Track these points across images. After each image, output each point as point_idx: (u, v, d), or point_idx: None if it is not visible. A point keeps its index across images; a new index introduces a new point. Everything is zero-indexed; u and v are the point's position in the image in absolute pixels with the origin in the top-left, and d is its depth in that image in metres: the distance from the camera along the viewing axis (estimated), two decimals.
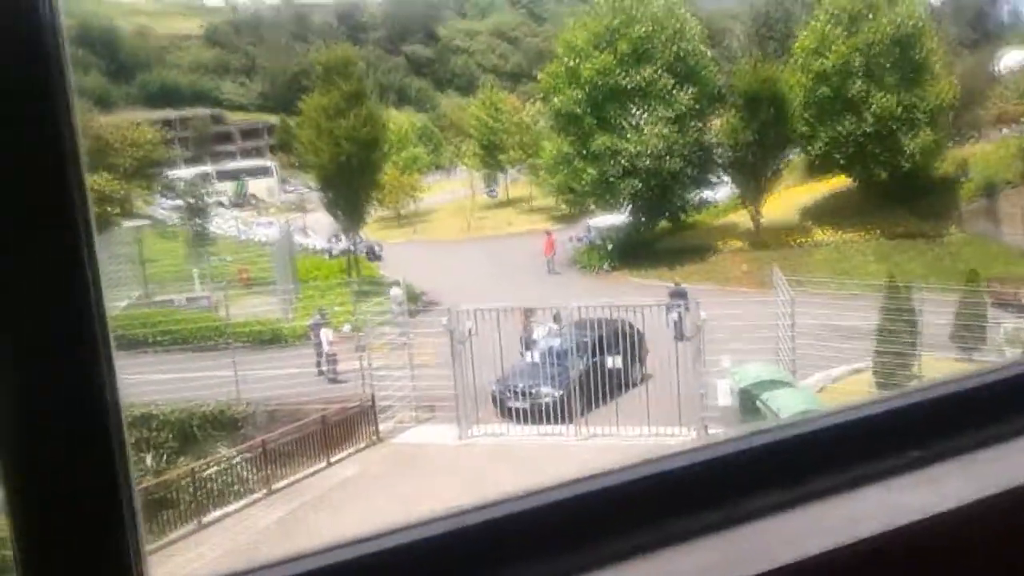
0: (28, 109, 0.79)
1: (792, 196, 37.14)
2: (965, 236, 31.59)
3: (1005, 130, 35.50)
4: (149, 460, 15.91)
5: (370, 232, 40.86)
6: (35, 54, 0.79)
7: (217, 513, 14.96)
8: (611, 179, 34.56)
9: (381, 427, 18.12)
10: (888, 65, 32.92)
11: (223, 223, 41.69)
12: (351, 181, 30.41)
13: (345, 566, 1.07)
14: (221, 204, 46.34)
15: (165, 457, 16.51)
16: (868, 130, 33.02)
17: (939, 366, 17.65)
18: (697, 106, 34.81)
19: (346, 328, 21.87)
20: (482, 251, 39.31)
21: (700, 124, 35.11)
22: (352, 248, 34.44)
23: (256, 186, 55.51)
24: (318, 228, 42.46)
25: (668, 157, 33.73)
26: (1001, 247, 30.28)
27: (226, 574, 1.09)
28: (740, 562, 1.12)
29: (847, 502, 1.22)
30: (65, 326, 0.83)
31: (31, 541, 0.85)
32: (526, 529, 1.20)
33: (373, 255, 38.99)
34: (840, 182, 36.46)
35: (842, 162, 34.46)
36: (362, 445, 17.57)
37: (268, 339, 23.62)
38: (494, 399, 18.31)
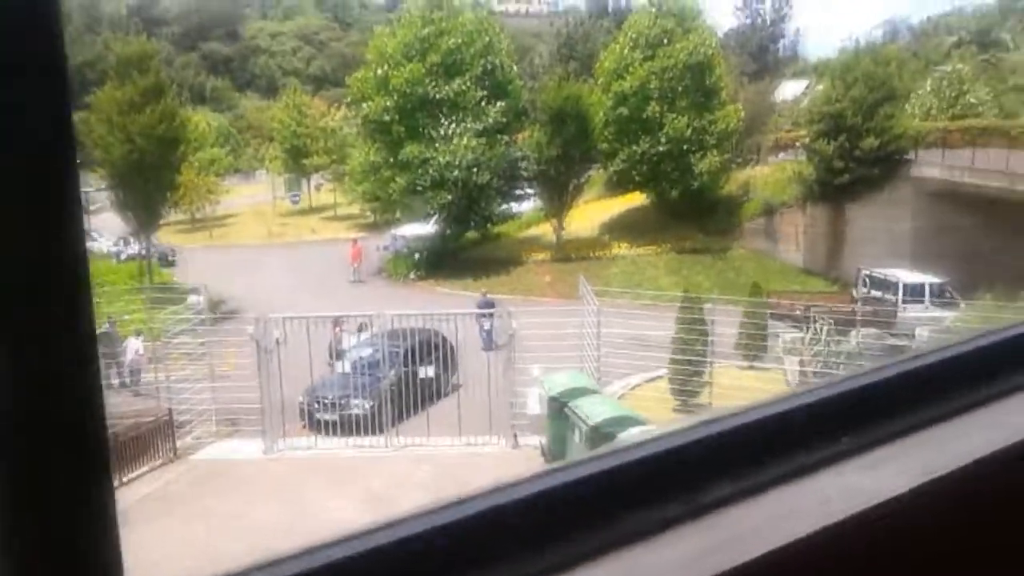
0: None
1: (592, 210, 38.67)
2: (747, 252, 34.05)
3: (782, 155, 38.61)
4: None
5: (164, 236, 38.71)
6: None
7: None
8: (419, 189, 34.59)
9: (179, 443, 17.11)
10: (681, 89, 35.01)
11: None
12: (145, 181, 28.62)
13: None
14: None
15: None
16: (662, 150, 34.91)
17: (727, 373, 18.90)
18: (505, 120, 35.55)
19: (139, 338, 20.53)
20: (285, 258, 38.22)
21: (507, 138, 35.86)
22: (145, 252, 32.46)
23: None
24: (104, 230, 39.72)
25: (476, 169, 34.20)
26: (779, 263, 32.90)
27: None
28: (712, 553, 1.12)
29: (803, 489, 1.24)
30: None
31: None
32: (486, 532, 1.14)
33: (167, 260, 36.97)
34: (636, 198, 38.32)
35: (638, 179, 36.22)
36: (158, 462, 16.52)
37: None
38: (302, 411, 17.76)
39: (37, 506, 0.77)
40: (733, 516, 1.18)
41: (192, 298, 20.84)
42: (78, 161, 0.76)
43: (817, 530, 1.15)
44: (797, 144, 35.56)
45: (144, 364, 19.88)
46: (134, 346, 20.35)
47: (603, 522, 1.17)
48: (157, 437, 16.93)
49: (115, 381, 20.32)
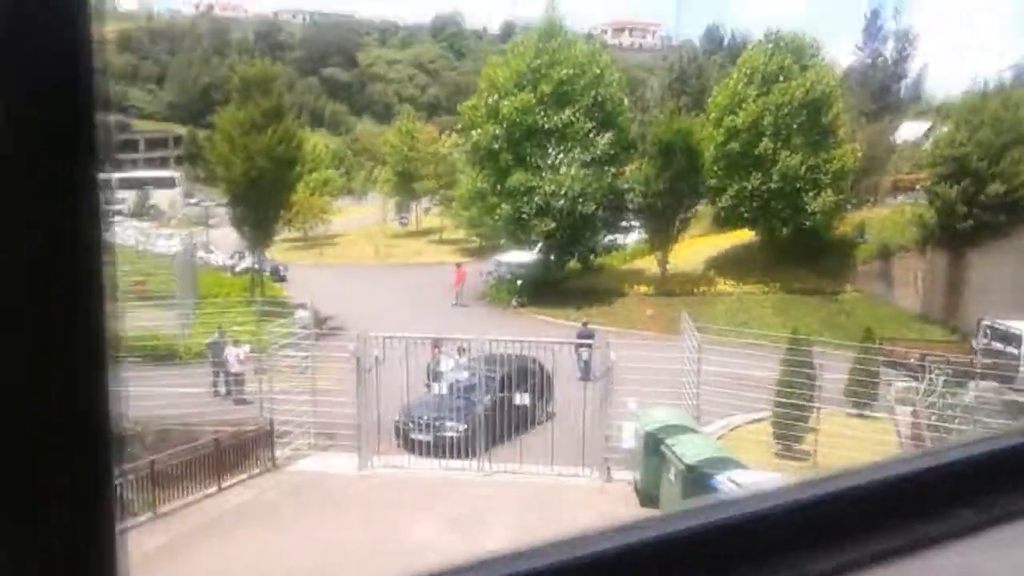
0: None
1: (698, 246, 38.07)
2: (860, 295, 32.86)
3: (900, 197, 37.22)
4: None
5: (276, 253, 39.99)
6: None
7: None
8: (524, 217, 34.74)
9: (278, 453, 17.48)
10: (796, 126, 34.24)
11: (121, 232, 40.14)
12: (262, 198, 29.66)
13: None
14: (120, 213, 44.73)
15: None
16: (773, 187, 34.15)
17: (834, 419, 18.16)
18: (613, 151, 35.42)
19: (246, 348, 21.15)
20: (391, 279, 38.89)
21: (615, 169, 35.71)
22: (257, 267, 33.56)
23: (159, 197, 53.85)
24: (220, 244, 41.31)
25: (582, 199, 34.15)
26: (893, 308, 31.59)
27: None
28: None
29: (916, 567, 1.09)
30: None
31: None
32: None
33: (278, 276, 38.13)
34: (744, 235, 37.56)
35: (747, 216, 35.51)
36: (257, 471, 16.89)
37: (162, 355, 22.64)
38: (397, 430, 17.92)
39: (36, 507, 0.72)
40: None
41: (299, 313, 21.35)
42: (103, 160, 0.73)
43: None
44: (917, 187, 34.24)
45: (249, 374, 20.42)
46: (236, 354, 20.93)
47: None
48: (257, 446, 17.32)
49: (221, 389, 20.97)
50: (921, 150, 40.47)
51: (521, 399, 17.91)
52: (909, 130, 47.46)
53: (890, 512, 1.16)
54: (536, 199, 34.33)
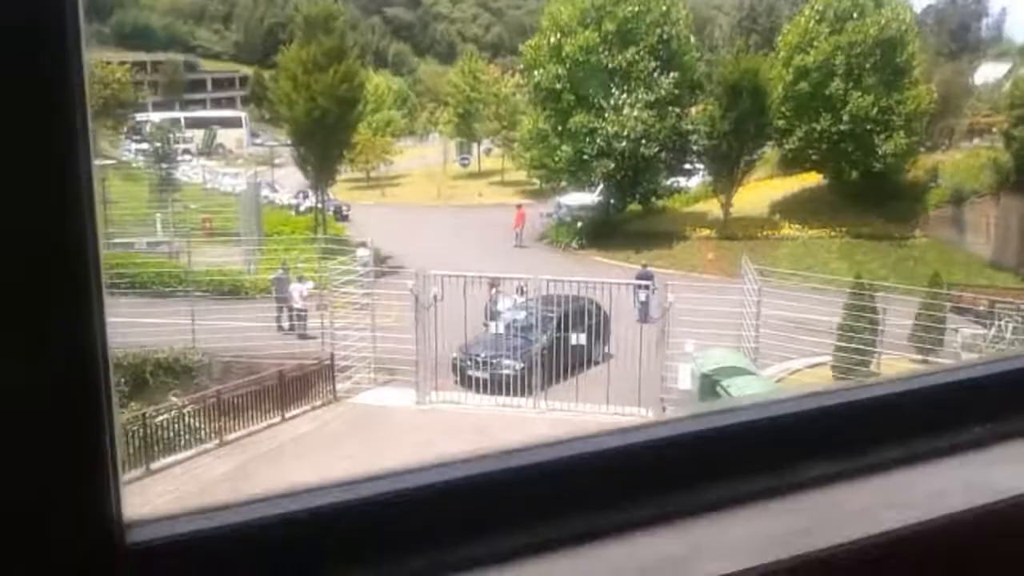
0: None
1: (763, 189, 37.29)
2: (930, 241, 31.98)
3: (976, 140, 35.90)
4: None
5: (338, 192, 40.35)
6: None
7: (166, 460, 14.69)
8: (586, 158, 34.42)
9: (339, 386, 17.92)
10: (869, 66, 33.10)
11: (189, 170, 40.92)
12: (325, 138, 29.91)
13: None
14: (188, 151, 45.53)
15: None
16: (843, 129, 33.23)
17: (897, 365, 17.86)
18: (677, 92, 34.70)
19: (309, 285, 21.57)
20: (451, 219, 39.02)
21: (679, 110, 35.02)
22: (320, 206, 33.97)
23: (225, 136, 54.60)
24: (285, 183, 41.83)
25: (645, 141, 33.66)
26: (964, 255, 30.70)
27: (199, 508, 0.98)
28: (806, 533, 1.00)
29: (922, 476, 1.10)
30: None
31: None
32: (563, 482, 1.07)
33: (340, 215, 38.53)
34: (811, 178, 36.68)
35: (815, 158, 34.67)
36: (318, 403, 17.37)
37: (228, 290, 23.20)
38: (454, 367, 18.19)
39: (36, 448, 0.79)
40: (835, 497, 1.05)
41: (360, 251, 21.67)
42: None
43: (930, 519, 1.01)
44: (994, 130, 32.94)
45: (311, 310, 20.85)
46: (299, 290, 21.35)
47: (680, 487, 1.08)
48: (319, 379, 17.79)
49: (284, 324, 21.47)
50: (1000, 92, 38.90)
51: (578, 339, 17.99)
52: (988, 71, 45.53)
53: (901, 424, 1.17)
54: (598, 140, 33.95)
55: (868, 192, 33.58)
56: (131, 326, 18.21)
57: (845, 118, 33.03)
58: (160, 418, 15.22)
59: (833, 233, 33.05)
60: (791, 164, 36.48)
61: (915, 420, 1.16)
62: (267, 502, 0.95)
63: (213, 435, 15.31)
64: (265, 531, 0.93)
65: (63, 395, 0.79)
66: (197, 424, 15.38)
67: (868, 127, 32.98)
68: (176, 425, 15.42)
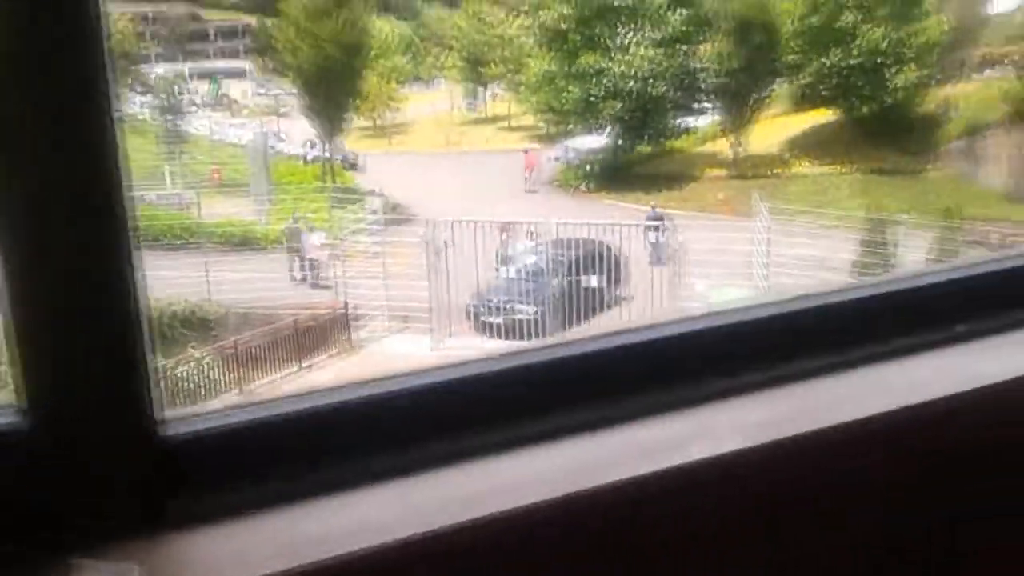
0: None
1: (775, 127, 36.87)
2: (944, 175, 31.69)
3: (989, 71, 35.32)
4: None
5: (347, 141, 40.19)
6: None
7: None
8: (593, 99, 34.10)
9: (354, 335, 18.11)
10: None
11: (196, 122, 40.77)
12: (331, 86, 29.73)
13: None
14: (194, 103, 45.29)
15: None
16: (854, 63, 32.74)
17: None
18: (686, 29, 34.18)
19: (322, 235, 21.65)
20: (461, 165, 38.90)
21: (688, 48, 34.54)
22: (328, 155, 33.89)
23: (231, 87, 54.26)
24: (292, 133, 41.66)
25: (653, 80, 33.29)
26: (979, 188, 30.42)
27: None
28: (792, 418, 1.08)
29: (904, 368, 1.17)
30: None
31: (43, 377, 0.88)
32: (576, 376, 1.15)
33: (349, 164, 38.43)
34: (822, 115, 36.24)
35: (826, 94, 34.21)
36: (335, 351, 17.58)
37: (241, 241, 23.31)
38: (468, 313, 18.31)
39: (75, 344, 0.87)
40: (822, 387, 1.13)
41: (370, 200, 21.69)
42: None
43: (916, 403, 1.09)
44: (1005, 61, 32.40)
45: (324, 259, 20.95)
46: (313, 240, 21.44)
47: (676, 382, 1.15)
48: (334, 328, 17.98)
49: (297, 274, 21.61)
50: (1016, 21, 38.13)
51: (590, 282, 18.05)
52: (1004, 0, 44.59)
53: (885, 323, 1.24)
54: (606, 81, 33.60)
55: (880, 127, 33.21)
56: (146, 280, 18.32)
57: (855, 52, 32.53)
58: (180, 369, 15.46)
59: (846, 169, 32.78)
60: (803, 101, 36.01)
61: (898, 318, 1.23)
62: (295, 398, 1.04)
63: (233, 385, 15.56)
64: (290, 423, 1.03)
65: (106, 313, 0.87)
66: (216, 375, 15.61)
67: (879, 60, 32.50)
68: (197, 377, 15.67)
